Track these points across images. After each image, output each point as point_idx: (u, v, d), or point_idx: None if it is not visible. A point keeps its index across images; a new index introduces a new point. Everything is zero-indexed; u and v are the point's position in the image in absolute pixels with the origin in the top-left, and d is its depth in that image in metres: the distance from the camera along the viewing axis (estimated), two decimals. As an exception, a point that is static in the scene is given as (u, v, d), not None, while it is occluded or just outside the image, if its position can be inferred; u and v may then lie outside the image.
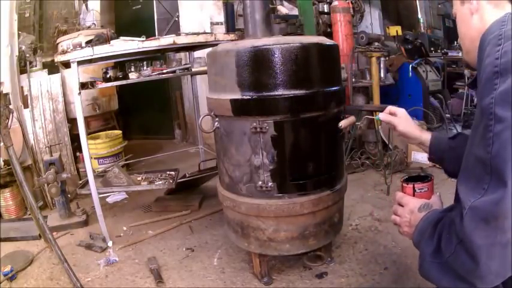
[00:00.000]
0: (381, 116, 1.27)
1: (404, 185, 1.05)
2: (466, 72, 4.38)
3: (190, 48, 2.85)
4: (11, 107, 2.17)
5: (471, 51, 0.92)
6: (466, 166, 0.79)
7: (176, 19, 4.55)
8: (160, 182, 2.59)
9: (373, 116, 3.46)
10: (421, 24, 5.55)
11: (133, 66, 2.45)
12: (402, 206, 1.03)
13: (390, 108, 1.28)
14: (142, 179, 2.69)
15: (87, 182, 2.41)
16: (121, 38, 2.22)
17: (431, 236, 0.85)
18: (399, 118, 1.24)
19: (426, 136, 1.23)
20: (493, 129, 0.69)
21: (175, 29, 4.28)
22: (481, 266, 0.71)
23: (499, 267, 0.71)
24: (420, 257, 0.88)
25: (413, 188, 1.02)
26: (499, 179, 0.68)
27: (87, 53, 2.10)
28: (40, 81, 3.13)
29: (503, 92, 0.69)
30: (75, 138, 3.25)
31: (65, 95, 3.33)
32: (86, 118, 2.91)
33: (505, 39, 0.74)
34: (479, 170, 0.72)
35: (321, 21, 4.22)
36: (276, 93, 1.52)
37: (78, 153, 3.33)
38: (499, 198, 0.68)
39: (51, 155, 2.59)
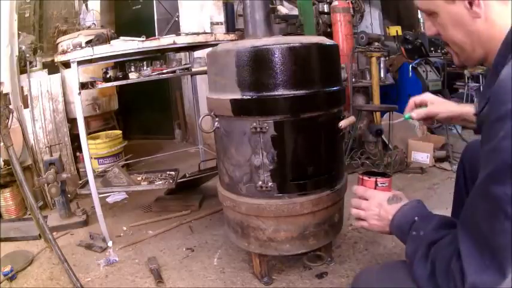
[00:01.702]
0: (415, 114, 1.15)
1: (366, 178, 1.04)
2: (466, 72, 4.39)
3: (190, 48, 2.85)
4: (11, 107, 2.17)
5: (479, 55, 0.84)
6: (475, 211, 0.74)
7: (176, 19, 4.55)
8: (160, 182, 2.59)
9: (373, 116, 3.49)
10: (421, 24, 5.55)
11: (133, 66, 2.45)
12: (366, 199, 1.02)
13: (415, 100, 1.17)
14: (142, 179, 2.69)
15: (87, 182, 2.40)
16: (121, 38, 2.21)
17: (424, 257, 0.83)
18: (436, 105, 1.13)
19: (468, 108, 1.16)
20: (503, 224, 0.67)
21: (175, 29, 4.28)
22: None
23: None
24: (413, 273, 0.86)
25: (376, 182, 1.02)
26: (500, 267, 0.68)
27: (87, 53, 2.09)
28: (40, 81, 3.13)
29: None
30: (75, 138, 3.25)
31: (65, 95, 3.33)
32: (86, 118, 2.91)
33: None
34: (483, 240, 0.71)
35: (321, 21, 4.22)
36: (276, 93, 1.52)
37: (78, 153, 3.33)
38: (497, 286, 0.68)
39: (51, 155, 2.59)
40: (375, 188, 1.02)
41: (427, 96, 1.18)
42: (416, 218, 0.91)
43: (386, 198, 0.99)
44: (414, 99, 1.20)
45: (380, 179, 1.02)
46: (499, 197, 0.67)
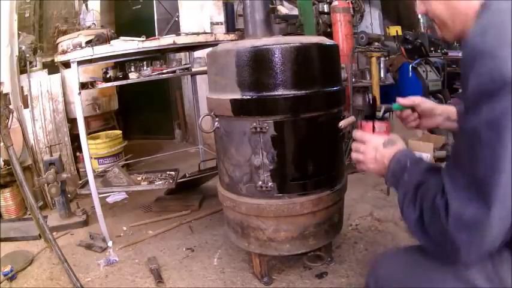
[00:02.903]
0: (403, 101, 1.21)
1: (364, 123, 1.06)
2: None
3: (190, 48, 2.85)
4: (11, 107, 2.17)
5: (458, 30, 0.86)
6: (458, 149, 0.79)
7: (176, 19, 4.56)
8: (160, 182, 2.60)
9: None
10: (421, 24, 5.55)
11: (133, 66, 2.45)
12: (364, 143, 1.05)
13: (404, 100, 1.21)
14: (142, 179, 2.69)
15: (87, 182, 2.41)
16: (121, 38, 2.22)
17: (412, 201, 0.85)
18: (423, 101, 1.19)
19: (451, 108, 1.22)
20: (481, 151, 0.70)
21: (175, 29, 4.28)
22: (462, 257, 0.75)
23: (480, 257, 0.76)
24: (403, 218, 0.89)
25: (373, 125, 1.04)
26: (484, 199, 0.70)
27: (87, 53, 2.09)
28: (40, 81, 3.13)
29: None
30: (75, 138, 3.25)
31: (65, 95, 3.33)
32: (86, 118, 2.91)
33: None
34: (466, 172, 0.73)
35: (321, 21, 4.23)
36: (276, 93, 1.52)
37: (78, 153, 3.33)
38: (482, 220, 0.70)
39: (51, 155, 2.59)
40: (373, 132, 1.04)
41: (415, 98, 1.23)
42: (408, 164, 0.93)
43: (381, 142, 1.01)
44: (403, 100, 1.26)
45: (377, 123, 1.04)
46: (474, 127, 0.70)
